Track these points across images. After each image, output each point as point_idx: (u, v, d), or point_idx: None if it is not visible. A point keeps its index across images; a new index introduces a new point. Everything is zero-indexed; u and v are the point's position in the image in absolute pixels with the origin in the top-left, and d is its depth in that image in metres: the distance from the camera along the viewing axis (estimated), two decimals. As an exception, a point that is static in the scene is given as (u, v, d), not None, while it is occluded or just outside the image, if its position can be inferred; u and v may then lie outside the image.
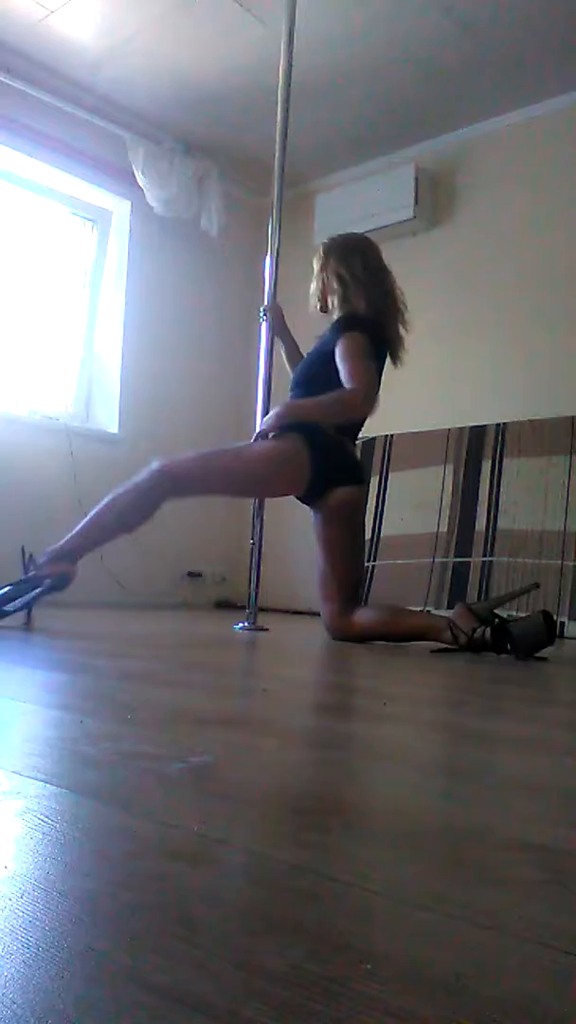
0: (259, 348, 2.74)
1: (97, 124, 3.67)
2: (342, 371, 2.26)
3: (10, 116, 3.41)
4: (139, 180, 3.76)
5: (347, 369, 2.25)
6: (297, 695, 1.29)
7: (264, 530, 2.73)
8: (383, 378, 2.39)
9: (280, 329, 2.70)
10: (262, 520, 2.71)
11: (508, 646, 2.06)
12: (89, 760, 0.69)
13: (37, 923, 0.37)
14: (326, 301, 2.44)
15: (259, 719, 1.01)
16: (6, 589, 2.02)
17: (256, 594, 2.69)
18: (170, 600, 3.95)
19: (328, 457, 2.29)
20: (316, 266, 2.47)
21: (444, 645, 2.13)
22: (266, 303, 2.71)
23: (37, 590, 2.05)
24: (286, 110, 2.71)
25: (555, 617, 2.21)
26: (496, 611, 2.17)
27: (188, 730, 0.88)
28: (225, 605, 4.21)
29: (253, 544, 2.71)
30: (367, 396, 2.24)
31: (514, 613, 2.45)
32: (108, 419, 3.86)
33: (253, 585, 2.69)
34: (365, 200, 3.83)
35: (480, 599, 3.07)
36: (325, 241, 2.51)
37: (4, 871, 0.43)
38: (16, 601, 2.01)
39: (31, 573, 2.05)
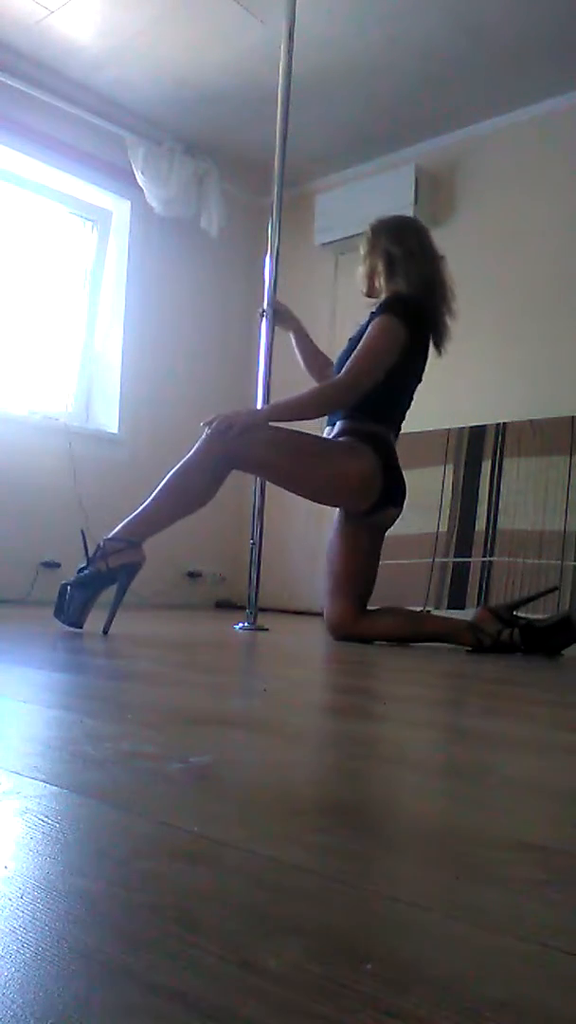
0: (259, 348, 2.74)
1: (97, 124, 3.67)
2: (357, 352, 2.16)
3: (10, 116, 3.42)
4: (139, 180, 3.76)
5: (355, 354, 2.15)
6: (297, 695, 1.29)
7: (264, 530, 2.73)
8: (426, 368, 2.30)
9: (282, 319, 2.64)
10: (262, 520, 2.71)
11: (536, 645, 2.14)
12: (89, 760, 0.69)
13: (37, 923, 0.37)
14: (373, 283, 2.34)
15: (259, 719, 1.01)
16: (75, 581, 1.96)
17: (256, 594, 2.69)
18: (170, 600, 3.95)
19: (393, 483, 2.25)
20: (364, 248, 2.36)
21: (468, 647, 2.20)
22: (267, 301, 2.68)
23: (118, 596, 1.99)
24: (286, 110, 2.71)
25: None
26: (516, 612, 2.24)
27: (188, 730, 0.88)
28: (225, 605, 4.20)
29: (253, 544, 2.71)
30: (352, 388, 2.15)
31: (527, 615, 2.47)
32: (108, 419, 3.86)
33: (253, 585, 2.69)
34: (365, 200, 3.83)
35: (480, 599, 3.08)
36: (373, 222, 2.38)
37: (4, 871, 0.43)
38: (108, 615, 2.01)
39: (98, 567, 1.96)
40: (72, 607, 1.95)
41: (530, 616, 2.30)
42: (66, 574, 3.48)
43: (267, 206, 2.77)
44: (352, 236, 3.91)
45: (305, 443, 2.17)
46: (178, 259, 4.11)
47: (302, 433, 2.17)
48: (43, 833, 0.49)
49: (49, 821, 0.51)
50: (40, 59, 3.39)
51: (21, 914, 0.37)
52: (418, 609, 2.95)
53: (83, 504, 3.43)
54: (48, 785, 0.60)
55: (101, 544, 1.98)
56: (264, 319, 2.67)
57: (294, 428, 2.17)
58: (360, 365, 2.15)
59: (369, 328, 2.19)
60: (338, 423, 2.30)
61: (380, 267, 2.30)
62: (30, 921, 0.37)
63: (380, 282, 2.31)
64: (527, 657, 2.14)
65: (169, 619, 3.00)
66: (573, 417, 3.16)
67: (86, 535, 2.02)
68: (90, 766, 0.67)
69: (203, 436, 2.06)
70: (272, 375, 2.72)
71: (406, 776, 0.74)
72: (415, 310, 2.21)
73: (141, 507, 2.02)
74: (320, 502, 2.35)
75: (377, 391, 2.19)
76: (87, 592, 1.95)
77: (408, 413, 3.72)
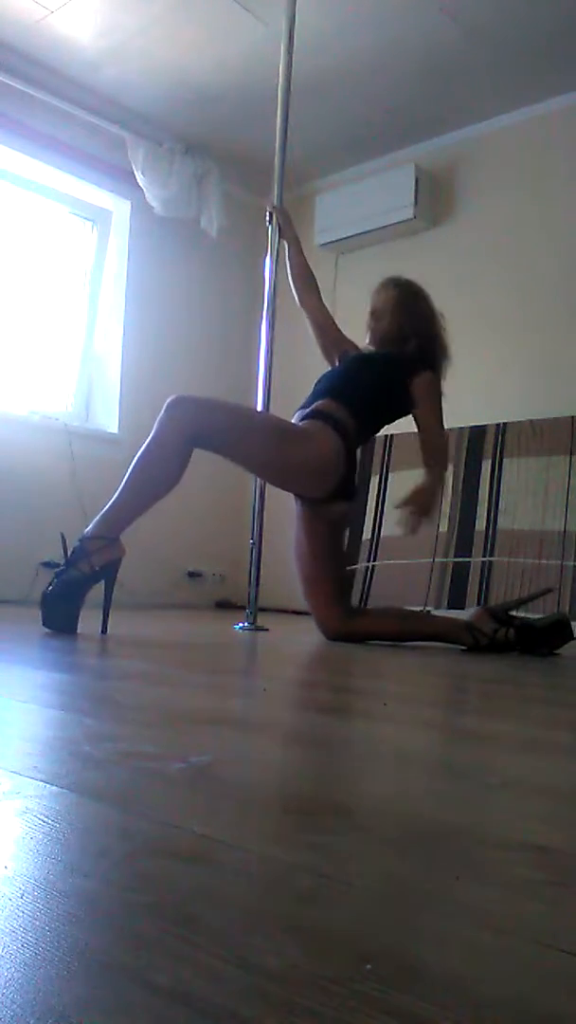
0: (259, 348, 2.74)
1: (97, 124, 3.67)
2: (428, 410, 2.35)
3: (10, 116, 3.41)
4: (139, 180, 3.76)
5: (435, 412, 2.37)
6: (297, 695, 1.29)
7: (264, 530, 2.73)
8: None
9: (287, 232, 2.71)
10: (262, 520, 2.71)
11: (532, 644, 2.18)
12: (89, 760, 0.69)
13: (37, 923, 0.37)
14: (392, 337, 2.40)
15: (259, 719, 1.01)
16: (55, 584, 1.92)
17: (256, 594, 2.70)
18: (170, 600, 3.95)
19: (351, 472, 2.29)
20: (386, 302, 2.43)
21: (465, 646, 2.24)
22: (276, 198, 2.72)
23: (108, 594, 1.98)
24: (286, 110, 2.71)
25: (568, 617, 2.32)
26: (511, 613, 2.28)
27: (188, 730, 0.88)
28: (225, 605, 4.20)
29: (253, 544, 2.71)
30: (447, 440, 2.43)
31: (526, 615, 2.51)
32: (108, 419, 3.86)
33: (253, 585, 2.70)
34: (365, 200, 3.83)
35: (480, 599, 3.08)
36: (399, 281, 2.48)
37: (4, 871, 0.43)
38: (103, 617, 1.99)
39: (82, 569, 1.92)
40: (63, 614, 1.91)
41: (526, 616, 2.31)
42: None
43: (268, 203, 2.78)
44: (352, 236, 3.92)
45: (269, 423, 2.19)
46: (178, 259, 4.11)
47: (263, 413, 2.23)
48: (43, 833, 0.49)
49: (49, 821, 0.51)
50: (40, 59, 3.39)
51: (21, 914, 0.37)
52: (418, 609, 2.95)
53: (83, 504, 3.43)
54: (48, 785, 0.60)
55: (80, 544, 1.95)
56: (271, 221, 2.70)
57: (255, 409, 2.22)
58: (440, 421, 2.38)
59: (429, 383, 2.35)
60: (314, 404, 2.28)
61: (408, 329, 2.39)
62: (30, 921, 0.37)
63: (410, 345, 2.40)
64: (524, 657, 2.14)
65: (169, 619, 3.00)
66: (573, 417, 3.16)
67: (65, 538, 2.00)
68: (90, 766, 0.67)
69: (159, 420, 2.01)
70: (272, 375, 2.72)
71: (406, 776, 0.74)
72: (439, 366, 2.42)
73: (112, 500, 1.99)
74: (280, 484, 2.31)
75: (368, 400, 2.29)
76: (76, 597, 1.93)
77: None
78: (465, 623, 2.25)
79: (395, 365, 2.35)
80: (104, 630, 1.98)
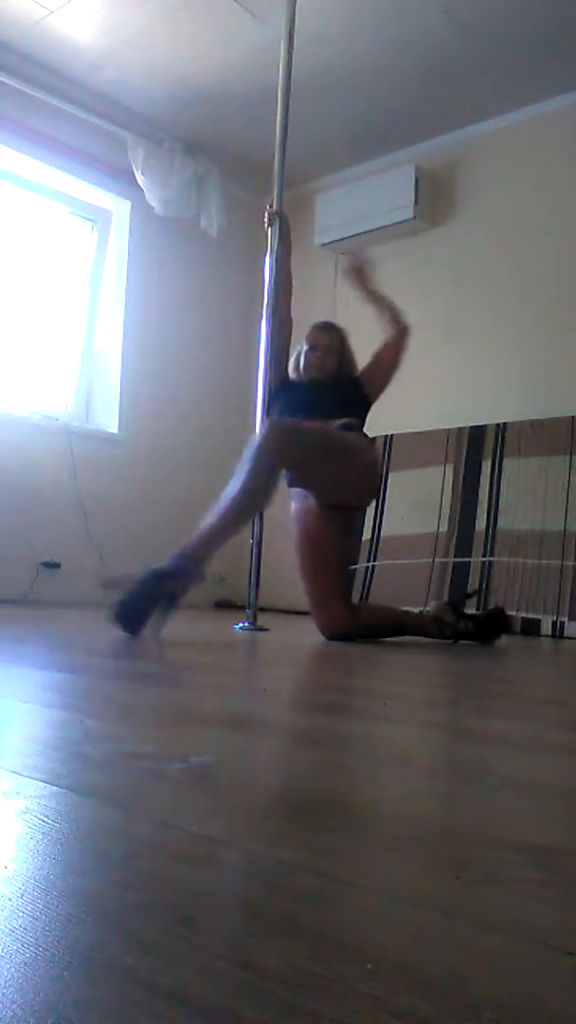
0: (259, 347, 2.74)
1: (97, 124, 3.67)
2: (386, 352, 2.57)
3: (10, 116, 3.41)
4: (139, 180, 3.76)
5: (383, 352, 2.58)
6: (297, 695, 1.29)
7: (264, 530, 2.73)
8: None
9: (286, 236, 2.74)
10: (262, 520, 2.71)
11: (484, 634, 2.41)
12: (89, 760, 0.69)
13: (37, 923, 0.37)
14: (332, 372, 2.53)
15: (259, 719, 1.01)
16: (133, 591, 1.92)
17: (256, 594, 2.70)
18: (170, 600, 3.94)
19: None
20: (332, 341, 2.56)
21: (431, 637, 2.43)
22: (276, 202, 2.73)
23: (169, 607, 1.99)
24: (286, 110, 2.70)
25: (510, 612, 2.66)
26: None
27: (188, 730, 0.88)
28: (225, 605, 4.20)
29: (253, 544, 2.71)
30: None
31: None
32: (108, 419, 3.86)
33: (253, 585, 2.70)
34: (365, 200, 3.83)
35: (480, 600, 3.09)
36: (338, 327, 2.63)
37: (4, 871, 0.43)
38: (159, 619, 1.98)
39: (184, 582, 1.95)
40: (143, 617, 1.90)
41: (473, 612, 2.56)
42: (66, 574, 3.48)
43: (267, 206, 2.78)
44: (352, 236, 3.92)
45: (342, 440, 2.33)
46: (178, 259, 4.11)
47: (331, 430, 2.33)
48: (43, 833, 0.49)
49: (49, 821, 0.51)
50: (40, 59, 3.39)
51: (21, 914, 0.37)
52: (417, 610, 2.96)
53: (83, 504, 3.43)
54: (48, 785, 0.60)
55: (187, 560, 1.97)
56: (270, 223, 2.70)
57: (316, 427, 2.32)
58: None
59: (366, 373, 2.56)
60: (344, 419, 2.40)
61: (345, 366, 2.56)
62: (30, 921, 0.37)
63: (352, 373, 2.58)
64: (521, 655, 2.15)
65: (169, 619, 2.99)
66: (573, 417, 3.16)
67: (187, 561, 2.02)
68: (90, 766, 0.67)
69: (258, 445, 2.08)
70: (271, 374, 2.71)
71: (406, 776, 0.74)
72: None
73: (211, 523, 2.05)
74: (343, 498, 2.37)
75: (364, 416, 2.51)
76: (160, 606, 1.93)
77: (408, 413, 3.82)
78: (432, 617, 2.43)
79: (344, 391, 2.52)
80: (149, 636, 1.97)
